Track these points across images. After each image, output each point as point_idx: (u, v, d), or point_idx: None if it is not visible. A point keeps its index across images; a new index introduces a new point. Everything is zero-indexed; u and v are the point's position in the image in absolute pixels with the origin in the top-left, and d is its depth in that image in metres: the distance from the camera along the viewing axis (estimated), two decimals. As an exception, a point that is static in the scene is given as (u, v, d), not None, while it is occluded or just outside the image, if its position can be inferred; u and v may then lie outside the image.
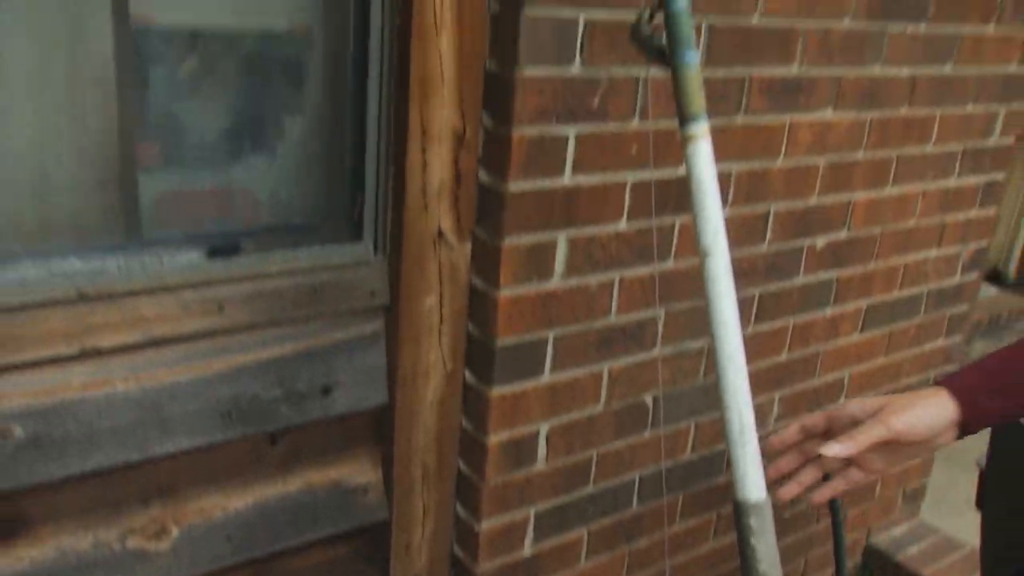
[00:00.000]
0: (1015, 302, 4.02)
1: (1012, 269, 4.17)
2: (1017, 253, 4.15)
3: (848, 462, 0.98)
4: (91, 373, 1.31)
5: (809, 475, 1.01)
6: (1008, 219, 4.14)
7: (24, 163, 1.26)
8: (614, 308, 1.67)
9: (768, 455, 1.03)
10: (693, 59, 1.03)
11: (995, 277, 4.20)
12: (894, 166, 2.07)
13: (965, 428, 0.95)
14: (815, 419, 1.02)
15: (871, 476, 0.99)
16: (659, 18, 1.06)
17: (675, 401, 1.86)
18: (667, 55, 1.04)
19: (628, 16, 1.43)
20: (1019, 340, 0.99)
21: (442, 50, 1.37)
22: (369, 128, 1.43)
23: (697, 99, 1.03)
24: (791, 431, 1.03)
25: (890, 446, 0.95)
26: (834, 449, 0.93)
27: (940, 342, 2.44)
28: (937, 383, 0.98)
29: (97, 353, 1.31)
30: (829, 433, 1.01)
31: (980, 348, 3.74)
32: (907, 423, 0.93)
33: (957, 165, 2.22)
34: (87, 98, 1.27)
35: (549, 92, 1.42)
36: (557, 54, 1.41)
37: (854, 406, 0.99)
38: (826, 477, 1.02)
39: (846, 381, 2.24)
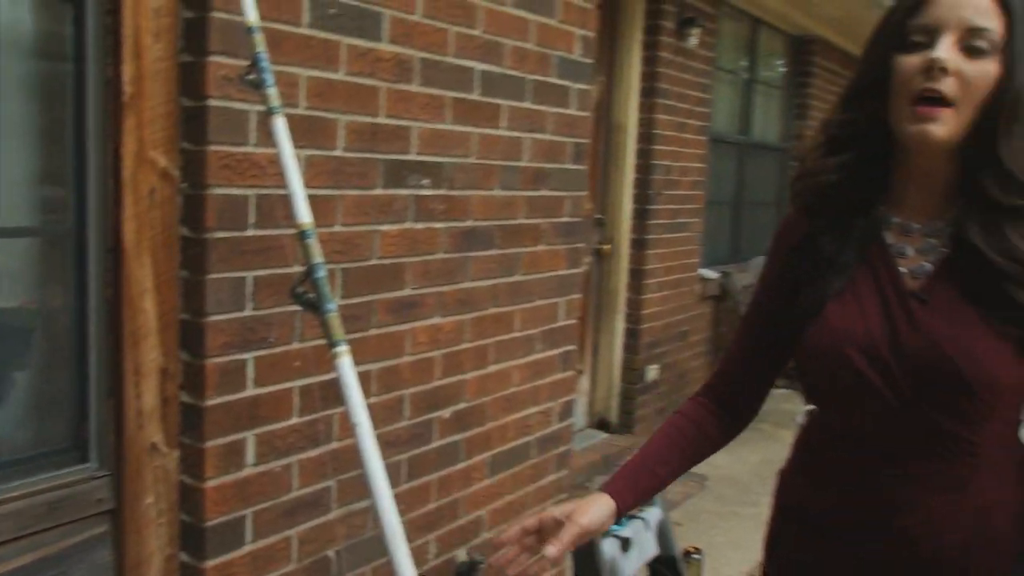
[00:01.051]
0: (619, 442, 5.00)
1: (614, 417, 5.17)
2: (614, 404, 5.16)
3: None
4: None
5: (524, 560, 1.32)
6: (607, 378, 5.17)
7: None
8: (296, 484, 2.16)
9: (496, 546, 1.34)
10: (333, 307, 1.62)
11: (603, 424, 5.17)
12: (492, 351, 2.81)
13: (620, 514, 1.37)
14: (532, 522, 1.29)
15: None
16: (308, 282, 1.65)
17: (354, 551, 2.35)
18: (315, 306, 1.63)
19: (283, 271, 2.02)
20: (643, 446, 1.41)
21: (147, 309, 1.85)
22: (91, 372, 1.86)
23: (338, 332, 1.61)
24: (513, 532, 1.29)
25: (580, 535, 1.32)
26: (551, 552, 1.23)
27: (552, 476, 3.17)
28: (599, 489, 1.35)
29: None
30: (541, 531, 1.28)
31: (598, 482, 4.60)
32: (590, 520, 1.26)
33: (538, 343, 3.02)
34: None
35: (230, 331, 1.95)
36: (234, 303, 1.95)
37: (556, 511, 1.29)
38: None
39: (484, 517, 2.86)
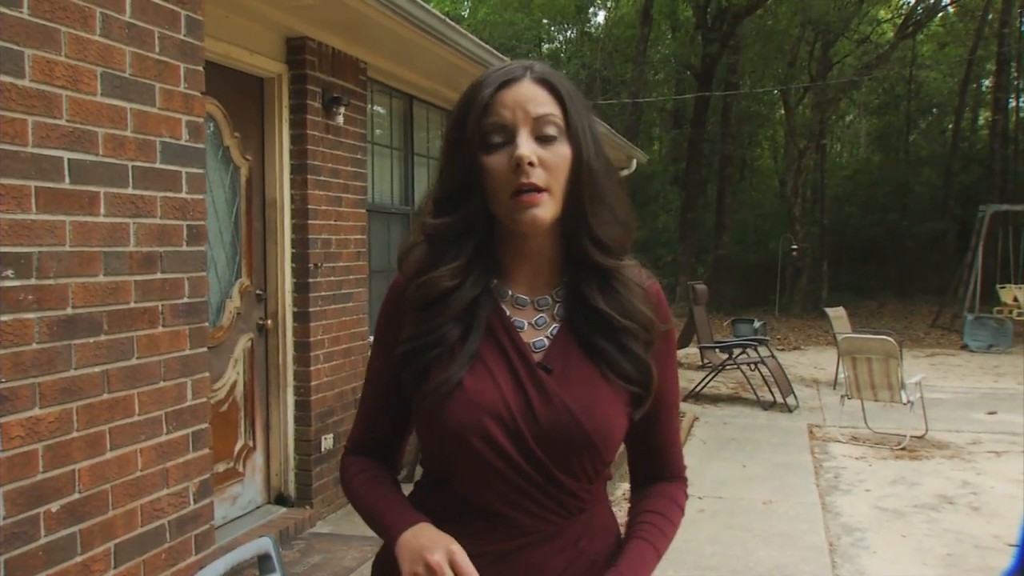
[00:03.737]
0: (297, 515, 5.02)
1: (292, 491, 5.18)
2: (291, 477, 5.18)
3: None
4: None
5: None
6: (281, 452, 5.17)
7: None
8: None
9: None
10: None
11: (281, 499, 5.17)
12: (108, 437, 2.78)
13: None
14: None
15: None
16: None
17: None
18: None
19: None
20: (375, 499, 1.37)
21: None
22: None
23: None
24: None
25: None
26: None
27: (192, 558, 3.15)
28: (406, 527, 1.29)
29: None
30: None
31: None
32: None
33: (164, 425, 3.02)
34: None
35: None
36: None
37: (438, 556, 1.22)
38: None
39: (112, 610, 2.80)
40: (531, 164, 1.23)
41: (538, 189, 1.24)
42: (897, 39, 21.30)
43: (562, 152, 1.26)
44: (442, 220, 1.30)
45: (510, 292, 1.35)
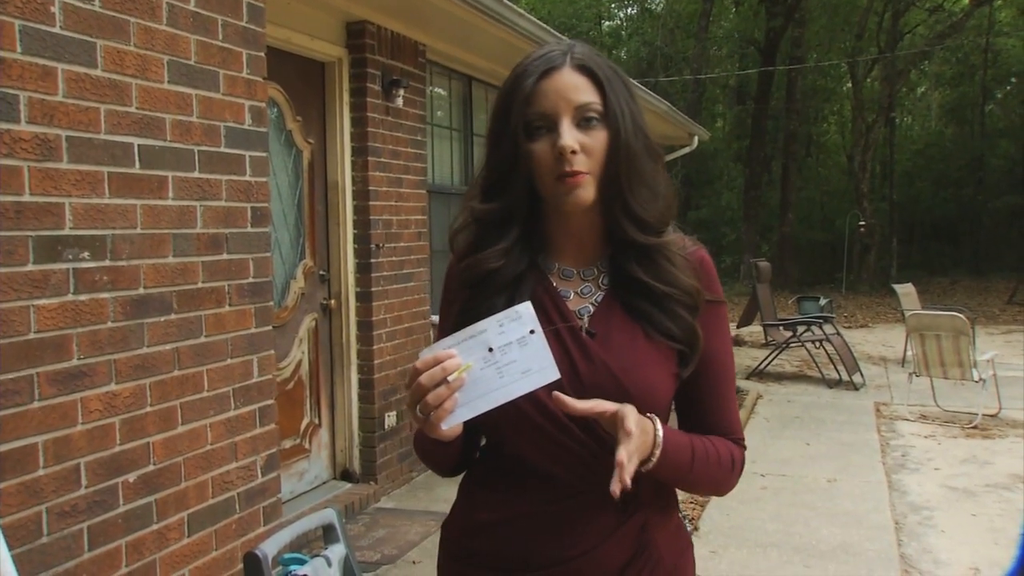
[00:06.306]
0: (363, 491, 5.14)
1: (357, 467, 5.30)
2: (356, 454, 5.30)
3: None
4: None
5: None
6: (346, 429, 5.30)
7: None
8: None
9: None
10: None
11: (347, 475, 5.29)
12: (180, 412, 2.89)
13: None
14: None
15: None
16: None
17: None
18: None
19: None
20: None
21: None
22: None
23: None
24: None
25: None
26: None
27: (260, 530, 3.26)
28: None
29: None
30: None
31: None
32: None
33: (232, 401, 3.13)
34: None
35: None
36: None
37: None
38: None
39: (187, 574, 2.92)
40: (573, 152, 1.29)
41: (581, 172, 1.30)
42: (972, 6, 20.61)
43: (601, 137, 1.31)
44: (489, 205, 1.37)
45: (557, 265, 1.41)
